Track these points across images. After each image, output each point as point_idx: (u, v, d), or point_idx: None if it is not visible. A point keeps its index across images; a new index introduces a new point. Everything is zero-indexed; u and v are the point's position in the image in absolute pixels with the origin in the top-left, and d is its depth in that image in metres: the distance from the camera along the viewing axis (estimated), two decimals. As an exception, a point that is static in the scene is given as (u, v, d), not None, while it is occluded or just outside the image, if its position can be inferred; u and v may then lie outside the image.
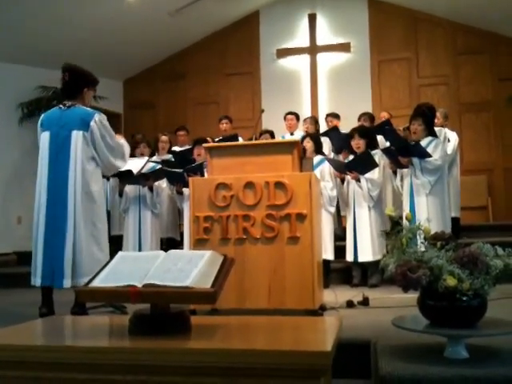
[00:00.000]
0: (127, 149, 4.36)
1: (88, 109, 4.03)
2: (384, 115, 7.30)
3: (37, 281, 3.84)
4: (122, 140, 4.44)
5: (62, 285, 3.74)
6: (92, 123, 3.90)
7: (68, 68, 4.02)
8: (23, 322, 2.41)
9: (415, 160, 5.01)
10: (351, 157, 5.60)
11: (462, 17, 8.48)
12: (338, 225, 6.13)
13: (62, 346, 1.89)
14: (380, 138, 6.09)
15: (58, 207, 3.82)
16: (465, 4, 8.04)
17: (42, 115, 4.14)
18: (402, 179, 5.27)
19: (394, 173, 5.40)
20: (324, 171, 5.43)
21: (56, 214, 3.82)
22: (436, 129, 5.57)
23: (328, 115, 7.42)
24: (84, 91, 4.08)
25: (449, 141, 6.18)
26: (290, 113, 7.29)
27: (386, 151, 5.34)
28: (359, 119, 6.83)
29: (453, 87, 8.72)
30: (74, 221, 3.79)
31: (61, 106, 4.03)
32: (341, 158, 5.99)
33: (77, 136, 3.88)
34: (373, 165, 5.26)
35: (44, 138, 3.98)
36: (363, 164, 5.31)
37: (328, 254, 5.19)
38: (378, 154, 5.45)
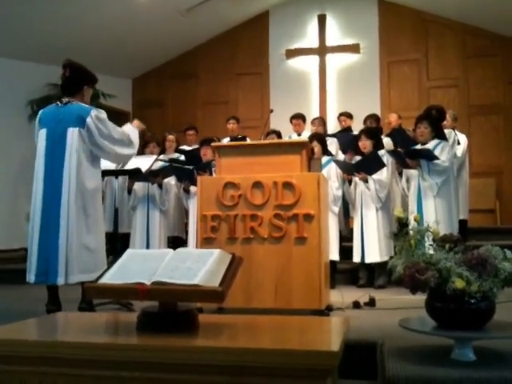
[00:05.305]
0: (133, 134, 4.15)
1: (85, 105, 3.96)
2: (392, 118, 7.17)
3: (31, 278, 3.79)
4: (126, 127, 4.21)
5: (56, 282, 3.69)
6: (88, 119, 3.82)
7: (69, 64, 3.97)
8: (30, 318, 2.42)
9: (423, 162, 5.00)
10: (357, 157, 5.60)
11: (472, 19, 8.44)
12: (345, 225, 6.13)
13: (68, 342, 1.89)
14: (387, 140, 6.07)
15: (53, 204, 3.76)
16: (475, 6, 8.00)
17: (40, 112, 4.08)
18: (407, 181, 5.26)
19: (400, 174, 5.38)
20: (330, 171, 5.44)
21: (51, 211, 3.76)
22: (446, 131, 5.55)
23: (341, 114, 7.27)
24: (84, 88, 4.02)
25: (458, 143, 6.17)
26: (296, 117, 7.11)
27: (392, 153, 5.34)
28: (365, 122, 6.75)
29: (462, 90, 8.67)
30: (67, 217, 3.72)
31: (58, 102, 3.98)
32: (346, 158, 5.97)
33: (73, 133, 3.82)
34: (380, 165, 5.26)
35: (41, 135, 3.92)
36: (371, 164, 5.31)
37: (334, 254, 5.19)
38: (385, 155, 5.44)
